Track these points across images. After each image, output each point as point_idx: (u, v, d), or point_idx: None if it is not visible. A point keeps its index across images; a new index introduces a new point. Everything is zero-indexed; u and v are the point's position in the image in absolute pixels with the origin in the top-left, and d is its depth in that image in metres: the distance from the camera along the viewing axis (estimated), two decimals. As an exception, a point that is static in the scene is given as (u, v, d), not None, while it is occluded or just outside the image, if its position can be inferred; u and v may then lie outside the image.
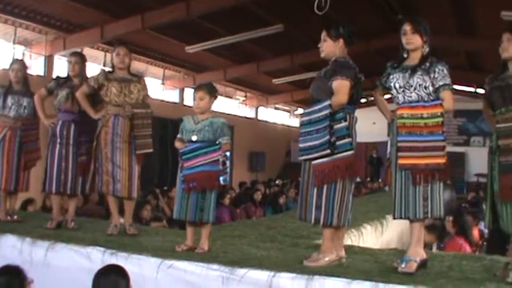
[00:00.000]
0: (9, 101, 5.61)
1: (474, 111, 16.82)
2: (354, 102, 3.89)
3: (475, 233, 7.06)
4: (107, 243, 4.45)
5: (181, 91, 17.29)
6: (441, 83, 3.64)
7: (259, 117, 22.39)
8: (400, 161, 3.65)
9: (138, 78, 5.25)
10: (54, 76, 6.00)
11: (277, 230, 5.69)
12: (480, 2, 11.22)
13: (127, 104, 5.01)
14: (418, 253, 3.66)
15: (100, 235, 4.90)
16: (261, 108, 22.46)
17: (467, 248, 6.06)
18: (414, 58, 3.76)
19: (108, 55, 12.98)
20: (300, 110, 22.42)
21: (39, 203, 8.26)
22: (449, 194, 8.86)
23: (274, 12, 12.28)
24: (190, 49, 13.65)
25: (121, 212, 5.23)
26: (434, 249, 5.88)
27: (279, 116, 24.53)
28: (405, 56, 3.82)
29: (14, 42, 11.67)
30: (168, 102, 16.36)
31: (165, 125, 13.30)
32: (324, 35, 3.98)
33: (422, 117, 3.61)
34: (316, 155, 3.76)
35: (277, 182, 17.22)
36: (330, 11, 7.93)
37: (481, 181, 17.27)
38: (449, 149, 3.79)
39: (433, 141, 3.59)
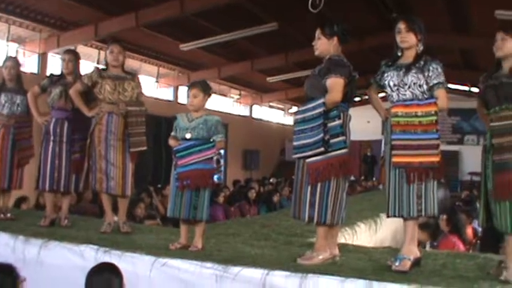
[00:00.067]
0: (3, 98, 5.61)
1: (468, 109, 16.88)
2: (347, 100, 3.89)
3: (469, 231, 7.08)
4: (100, 241, 4.45)
5: (176, 89, 17.23)
6: (435, 81, 3.65)
7: (254, 116, 22.33)
8: (394, 159, 3.66)
9: (132, 76, 5.25)
10: (47, 74, 6.00)
11: (271, 228, 5.69)
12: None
13: (121, 101, 5.00)
14: (411, 251, 3.67)
15: (93, 233, 4.90)
16: (255, 107, 22.41)
17: (461, 247, 6.08)
18: (408, 56, 3.76)
19: (102, 53, 12.92)
20: (294, 108, 22.33)
21: (33, 200, 8.23)
22: (443, 192, 8.91)
23: (268, 10, 12.26)
24: (185, 47, 13.59)
25: (115, 210, 5.23)
26: (427, 248, 5.90)
27: (273, 114, 24.48)
28: (399, 54, 3.83)
29: (7, 40, 11.59)
30: (162, 100, 16.29)
31: (159, 123, 13.23)
32: (318, 33, 3.98)
33: (416, 116, 3.61)
34: (310, 153, 3.76)
35: (271, 180, 17.17)
36: (324, 9, 7.95)
37: (475, 179, 17.28)
38: (443, 147, 3.79)
39: (427, 139, 3.59)
